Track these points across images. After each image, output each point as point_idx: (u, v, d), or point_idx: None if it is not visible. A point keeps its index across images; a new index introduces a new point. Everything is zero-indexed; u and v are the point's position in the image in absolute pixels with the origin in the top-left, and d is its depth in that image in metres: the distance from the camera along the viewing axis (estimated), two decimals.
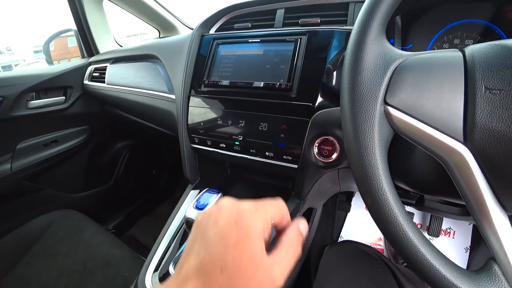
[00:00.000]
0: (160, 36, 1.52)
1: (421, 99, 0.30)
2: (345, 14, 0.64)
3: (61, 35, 1.42)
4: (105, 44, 1.30)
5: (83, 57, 1.31)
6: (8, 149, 1.13)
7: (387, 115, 0.32)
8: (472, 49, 0.32)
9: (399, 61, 0.33)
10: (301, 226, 0.32)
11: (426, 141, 0.31)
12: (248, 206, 0.28)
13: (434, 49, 0.65)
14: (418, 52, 0.34)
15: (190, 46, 0.74)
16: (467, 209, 0.31)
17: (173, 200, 1.73)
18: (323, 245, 1.26)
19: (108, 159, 1.45)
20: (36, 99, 1.14)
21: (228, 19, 0.78)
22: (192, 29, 1.50)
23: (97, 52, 1.27)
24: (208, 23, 0.78)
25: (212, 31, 0.78)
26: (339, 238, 1.17)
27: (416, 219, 1.10)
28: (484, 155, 0.29)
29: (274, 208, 0.30)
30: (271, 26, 0.72)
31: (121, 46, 1.39)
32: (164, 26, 1.46)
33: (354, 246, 0.73)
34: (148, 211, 1.65)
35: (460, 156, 0.30)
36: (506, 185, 0.29)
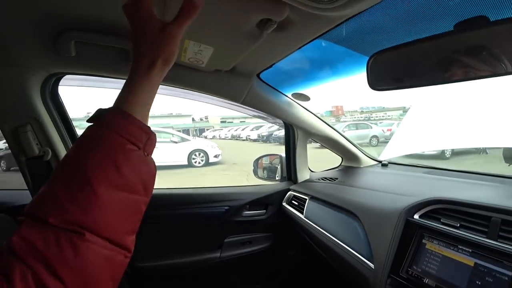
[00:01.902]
0: (342, 163, 1.76)
1: None
2: None
3: (268, 156, 1.87)
4: (302, 174, 1.63)
5: (282, 180, 1.69)
6: (220, 242, 1.53)
7: None
8: None
9: None
10: None
11: None
12: None
13: None
14: None
15: (395, 228, 0.86)
16: None
17: None
18: None
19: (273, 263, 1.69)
20: (248, 210, 1.54)
21: (435, 208, 0.87)
22: (377, 161, 1.67)
23: (296, 180, 1.61)
24: (414, 208, 0.89)
25: (416, 216, 0.88)
26: None
27: None
28: None
29: None
30: (484, 233, 0.72)
31: (313, 172, 1.70)
32: (348, 156, 1.69)
33: None
34: None
35: None
36: None
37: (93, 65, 1.00)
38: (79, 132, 1.34)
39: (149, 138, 0.43)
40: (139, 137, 0.41)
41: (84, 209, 0.35)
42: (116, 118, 0.40)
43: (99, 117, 0.41)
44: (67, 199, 0.35)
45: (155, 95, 0.46)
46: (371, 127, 13.44)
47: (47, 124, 1.12)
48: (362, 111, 36.34)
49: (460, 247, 0.73)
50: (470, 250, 0.70)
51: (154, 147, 0.45)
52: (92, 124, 0.41)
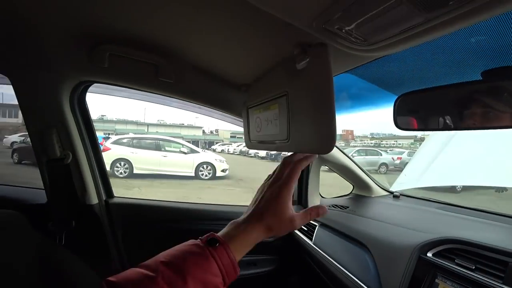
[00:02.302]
0: (353, 191, 1.75)
1: None
2: None
3: None
4: (313, 199, 1.62)
5: (292, 204, 1.68)
6: None
7: None
8: None
9: None
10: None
11: None
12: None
13: None
14: None
15: (407, 265, 0.85)
16: None
17: None
18: None
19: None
20: None
21: (449, 248, 0.85)
22: (388, 191, 1.65)
23: (306, 205, 1.60)
24: (428, 246, 0.88)
25: (429, 254, 0.87)
26: None
27: None
28: None
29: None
30: (500, 278, 0.71)
31: (323, 198, 1.69)
32: (360, 184, 1.69)
33: None
34: None
35: None
36: None
37: (123, 77, 1.05)
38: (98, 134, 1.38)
39: (234, 278, 0.49)
40: (230, 277, 0.48)
41: None
42: (225, 255, 0.48)
43: (212, 243, 0.49)
44: None
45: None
46: (381, 154, 13.32)
47: (71, 129, 1.16)
48: (372, 136, 36.14)
49: None
50: None
51: None
52: (203, 245, 0.49)
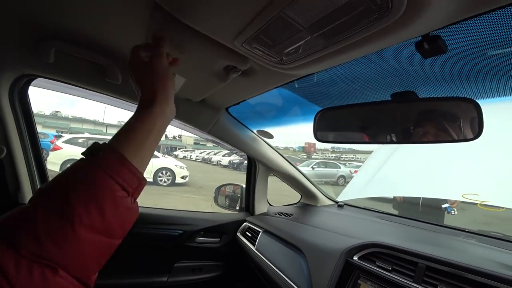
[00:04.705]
0: (301, 200, 1.83)
1: None
2: None
3: (232, 185, 1.90)
4: (260, 206, 1.67)
5: (240, 210, 1.72)
6: (169, 266, 1.50)
7: None
8: None
9: None
10: None
11: None
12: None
13: None
14: None
15: (335, 267, 0.92)
16: None
17: None
18: None
19: None
20: (202, 237, 1.53)
21: (372, 251, 0.94)
22: (334, 201, 1.75)
23: (253, 212, 1.64)
24: (354, 250, 0.95)
25: (355, 257, 0.94)
26: None
27: None
28: None
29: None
30: (411, 277, 0.80)
31: (272, 206, 1.75)
32: (307, 194, 1.77)
33: None
34: None
35: None
36: None
37: (69, 74, 1.01)
38: (40, 130, 1.30)
39: (140, 184, 0.42)
40: (131, 183, 0.40)
41: (61, 248, 0.34)
42: (111, 160, 0.40)
43: (94, 152, 0.40)
44: (45, 234, 0.34)
45: (154, 138, 0.46)
46: (340, 167, 13.91)
47: (8, 123, 1.09)
48: (333, 150, 37.73)
49: None
50: None
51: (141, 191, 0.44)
52: (85, 157, 0.41)
